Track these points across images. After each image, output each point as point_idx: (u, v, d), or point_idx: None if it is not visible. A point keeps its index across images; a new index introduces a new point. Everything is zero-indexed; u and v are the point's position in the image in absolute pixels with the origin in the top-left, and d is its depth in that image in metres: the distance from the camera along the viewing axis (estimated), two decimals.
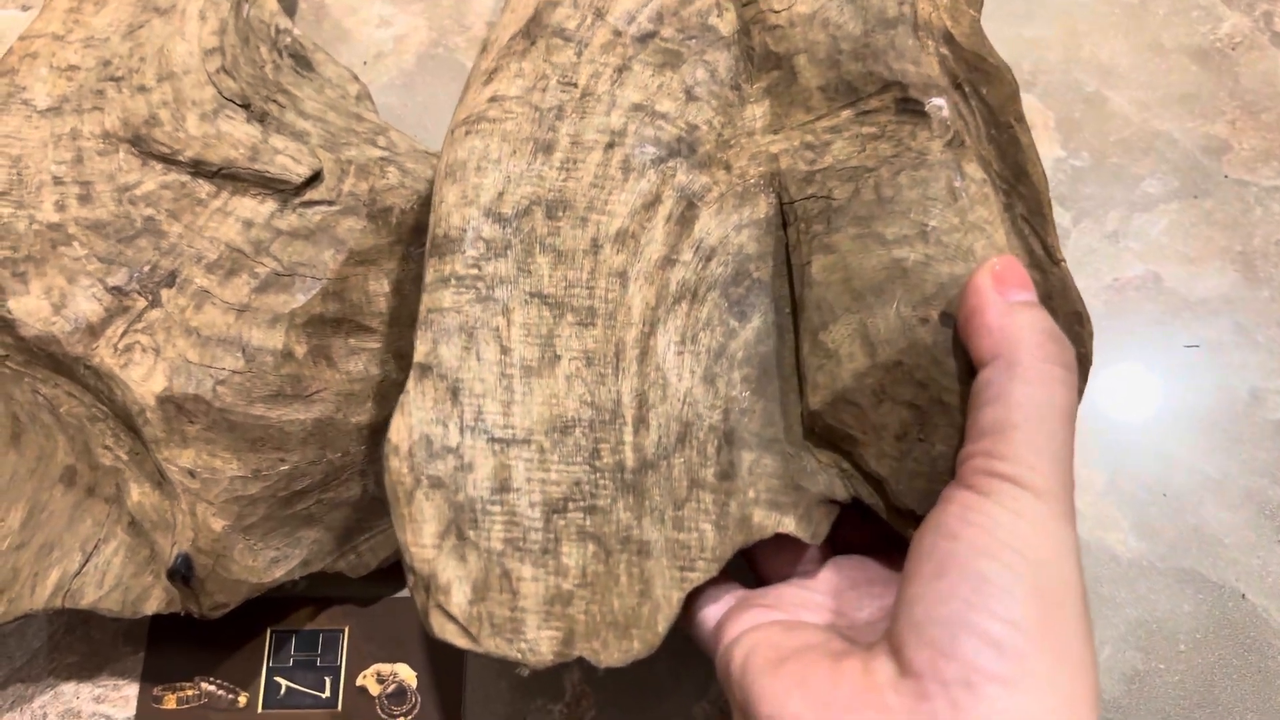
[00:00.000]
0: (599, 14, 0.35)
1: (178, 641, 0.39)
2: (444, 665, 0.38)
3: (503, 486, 0.30)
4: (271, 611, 0.39)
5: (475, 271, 0.32)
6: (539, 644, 0.29)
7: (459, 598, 0.29)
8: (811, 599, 0.32)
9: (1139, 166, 0.45)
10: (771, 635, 0.29)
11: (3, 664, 0.39)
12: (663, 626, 0.30)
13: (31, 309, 0.36)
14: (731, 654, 0.29)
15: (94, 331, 0.36)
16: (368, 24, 0.50)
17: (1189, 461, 0.40)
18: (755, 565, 0.34)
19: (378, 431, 0.38)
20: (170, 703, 0.38)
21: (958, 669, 0.24)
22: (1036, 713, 0.24)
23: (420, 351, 0.31)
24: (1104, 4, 0.49)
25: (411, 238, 0.40)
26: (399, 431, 0.30)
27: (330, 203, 0.39)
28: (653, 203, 0.34)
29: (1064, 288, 0.31)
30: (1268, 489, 0.39)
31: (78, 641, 0.39)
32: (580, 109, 0.34)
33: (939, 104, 0.33)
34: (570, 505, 0.30)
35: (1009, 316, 0.27)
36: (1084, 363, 0.30)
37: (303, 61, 0.45)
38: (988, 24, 0.48)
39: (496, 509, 0.30)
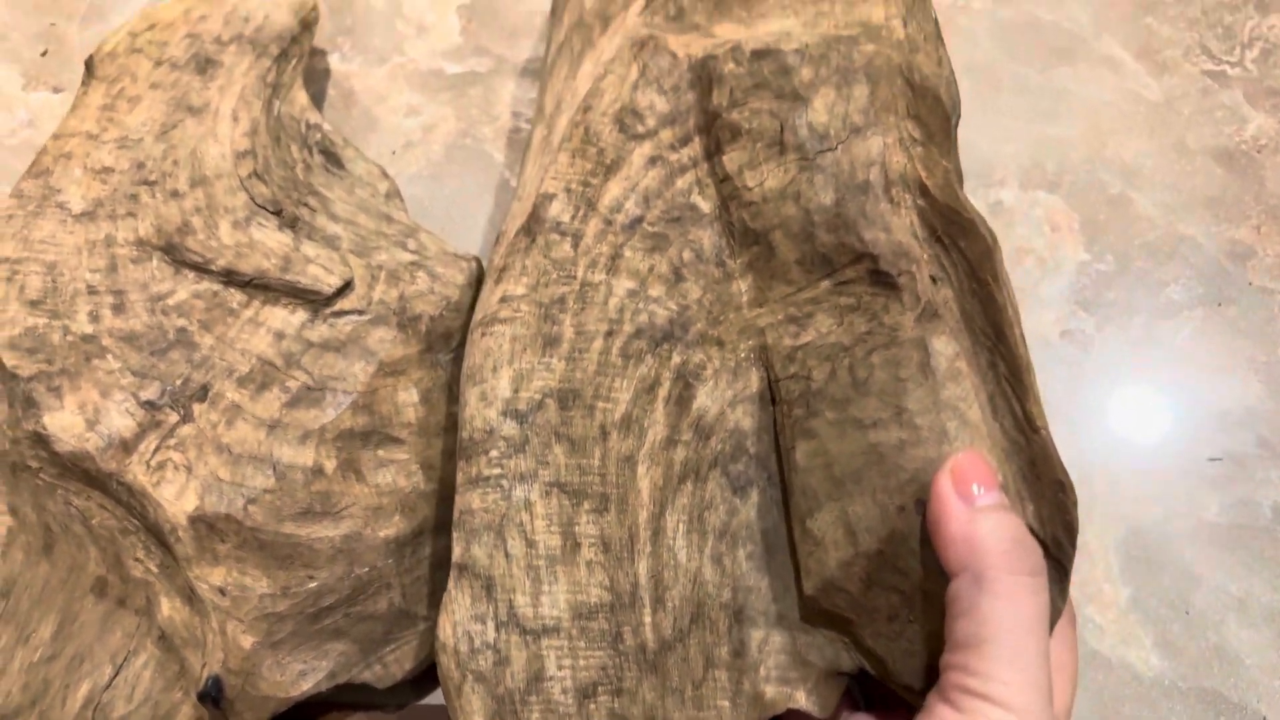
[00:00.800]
0: (590, 204, 0.37)
1: None
2: None
3: (537, 676, 0.32)
4: (297, 718, 0.40)
5: (499, 471, 0.34)
6: None
7: None
8: None
9: (1163, 272, 0.45)
10: None
11: None
12: None
13: (66, 425, 0.36)
14: None
15: (127, 447, 0.36)
16: (396, 113, 0.50)
17: (1212, 579, 0.40)
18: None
19: (404, 545, 0.38)
20: None
21: None
22: None
23: (457, 552, 0.33)
24: (1128, 103, 0.49)
25: (439, 345, 0.41)
26: (445, 630, 0.32)
27: (361, 312, 0.39)
28: (652, 386, 0.35)
29: (1045, 455, 0.31)
30: None
31: None
32: (581, 298, 0.36)
33: (908, 277, 0.33)
34: (599, 689, 0.32)
35: (972, 525, 0.28)
36: (1069, 529, 0.31)
37: (333, 158, 0.46)
38: (1013, 121, 0.48)
39: (533, 699, 0.32)
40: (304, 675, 0.37)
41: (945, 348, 0.32)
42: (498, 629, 0.32)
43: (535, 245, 0.36)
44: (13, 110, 0.52)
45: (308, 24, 0.48)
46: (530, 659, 0.32)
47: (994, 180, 0.47)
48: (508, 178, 0.49)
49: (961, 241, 0.34)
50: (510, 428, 0.34)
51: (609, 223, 0.37)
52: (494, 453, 0.34)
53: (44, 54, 0.53)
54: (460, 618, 0.32)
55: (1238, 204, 0.46)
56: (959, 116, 0.37)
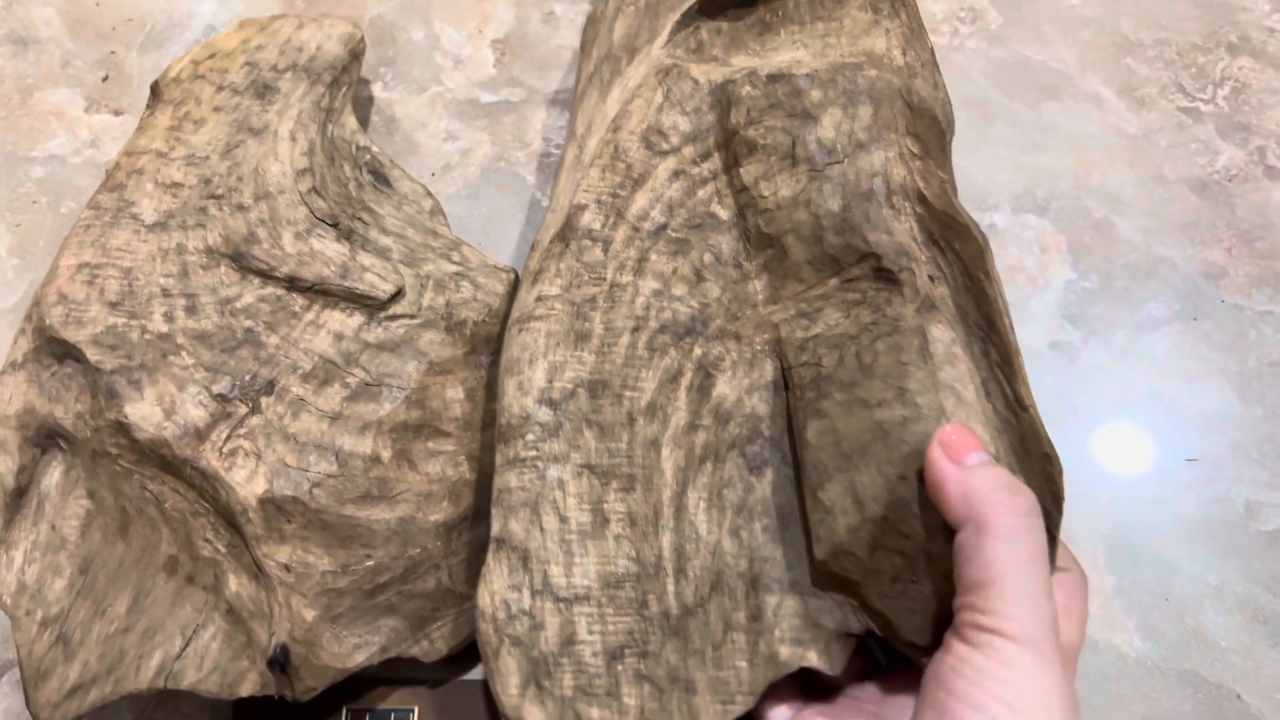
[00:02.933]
0: (619, 213, 0.41)
1: (261, 716, 0.43)
2: None
3: (569, 640, 0.35)
4: (347, 691, 0.43)
5: (534, 453, 0.37)
6: None
7: None
8: (860, 708, 0.36)
9: (1143, 290, 0.49)
10: None
11: None
12: None
13: (145, 414, 0.39)
14: None
15: (200, 436, 0.39)
16: (435, 138, 0.54)
17: (1190, 569, 0.44)
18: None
19: (452, 529, 0.41)
20: None
21: None
22: None
23: (495, 527, 0.36)
24: (1111, 136, 0.53)
25: (482, 348, 0.44)
26: (484, 598, 0.36)
27: (412, 316, 0.43)
28: (676, 376, 0.39)
29: (1034, 432, 0.35)
30: (1260, 596, 0.43)
31: (168, 715, 0.43)
32: (610, 298, 0.39)
33: (909, 274, 0.37)
34: (627, 652, 0.35)
35: (966, 483, 0.31)
36: (1057, 499, 0.34)
37: (381, 178, 0.50)
38: (1006, 151, 0.52)
39: (566, 660, 0.35)
40: (359, 648, 0.40)
41: (943, 335, 0.35)
42: (533, 597, 0.35)
43: (569, 250, 0.40)
44: (76, 132, 0.55)
45: (356, 54, 0.52)
46: (563, 624, 0.35)
47: (988, 205, 0.51)
48: (539, 198, 0.53)
49: (956, 244, 0.38)
50: (545, 414, 0.38)
51: (636, 230, 0.41)
52: (530, 436, 0.37)
53: (104, 79, 0.57)
54: (498, 587, 0.36)
55: (1211, 229, 0.51)
56: (953, 134, 0.41)
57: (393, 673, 0.43)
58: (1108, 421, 0.47)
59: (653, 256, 0.40)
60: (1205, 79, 0.54)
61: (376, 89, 0.56)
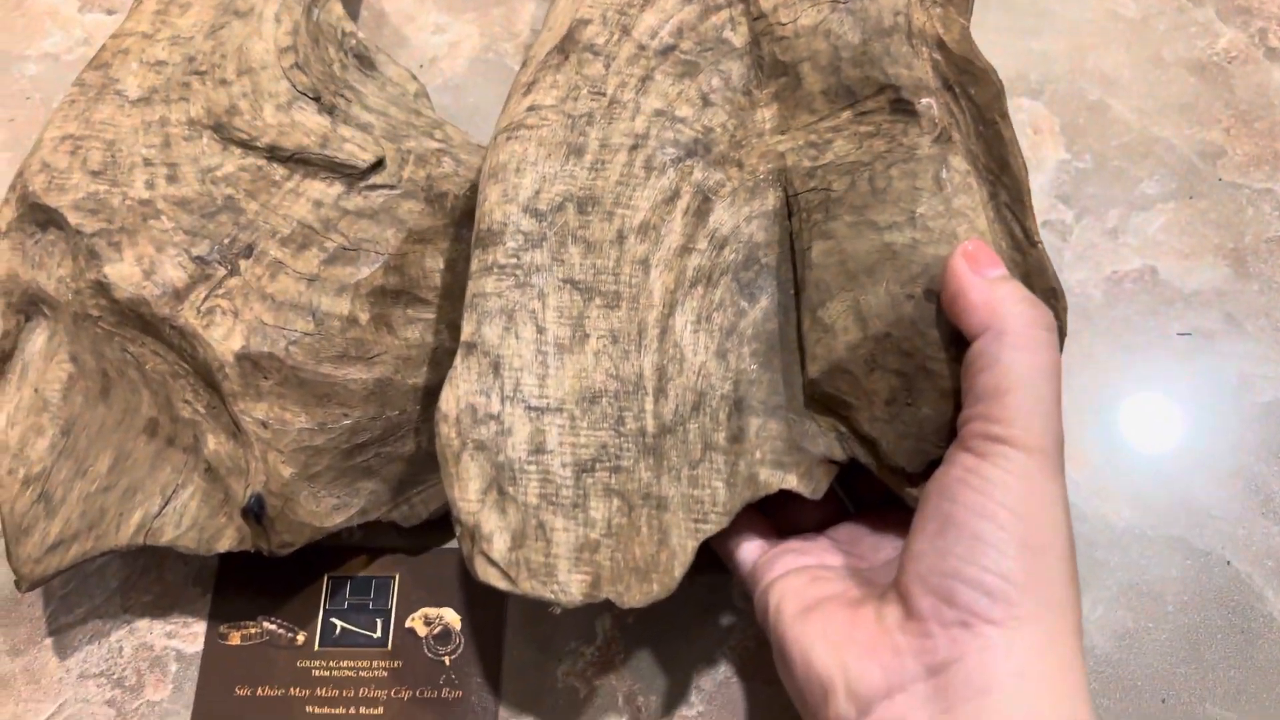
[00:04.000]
0: (625, 30, 0.40)
1: (242, 585, 0.43)
2: (486, 610, 0.42)
3: (538, 449, 0.34)
4: (328, 560, 0.43)
5: (515, 261, 0.36)
6: (570, 586, 0.33)
7: (500, 546, 0.33)
8: (835, 545, 0.35)
9: (1138, 169, 0.48)
10: (798, 585, 0.33)
11: (83, 601, 0.43)
12: (679, 572, 0.34)
13: (125, 274, 0.40)
14: (766, 600, 0.33)
15: (179, 296, 0.40)
16: (424, 30, 0.54)
17: (1180, 440, 0.43)
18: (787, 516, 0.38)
19: (431, 393, 0.41)
20: (235, 639, 0.42)
21: (956, 613, 0.28)
22: (1024, 646, 0.27)
23: (466, 331, 0.35)
24: (1108, 20, 0.52)
25: (464, 221, 0.44)
26: (448, 401, 0.34)
27: (392, 187, 0.43)
28: (672, 197, 0.38)
29: (1041, 267, 0.34)
30: (1254, 465, 0.42)
31: (151, 583, 0.43)
32: (608, 115, 0.38)
33: (928, 103, 0.36)
34: (597, 466, 0.34)
35: (990, 291, 0.31)
36: (1060, 333, 0.33)
37: (366, 62, 0.49)
38: (999, 36, 0.51)
39: (532, 468, 0.34)
40: (337, 509, 0.40)
41: (959, 164, 0.35)
42: (502, 403, 0.34)
43: (568, 63, 0.39)
44: (70, 30, 0.56)
45: None
46: (533, 433, 0.34)
47: None
48: None
49: (972, 89, 0.37)
50: (529, 223, 0.37)
51: (642, 48, 0.40)
52: (511, 245, 0.36)
53: None
54: (464, 390, 0.34)
55: (1209, 110, 0.50)
56: None
57: (374, 541, 0.43)
58: (1099, 297, 0.46)
59: (658, 76, 0.39)
60: None
61: None
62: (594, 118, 0.38)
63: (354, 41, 0.50)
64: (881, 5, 0.38)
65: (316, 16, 0.49)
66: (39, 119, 0.53)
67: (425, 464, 0.42)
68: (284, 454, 0.39)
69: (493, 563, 0.33)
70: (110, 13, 0.56)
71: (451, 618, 0.42)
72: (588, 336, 0.36)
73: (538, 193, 0.37)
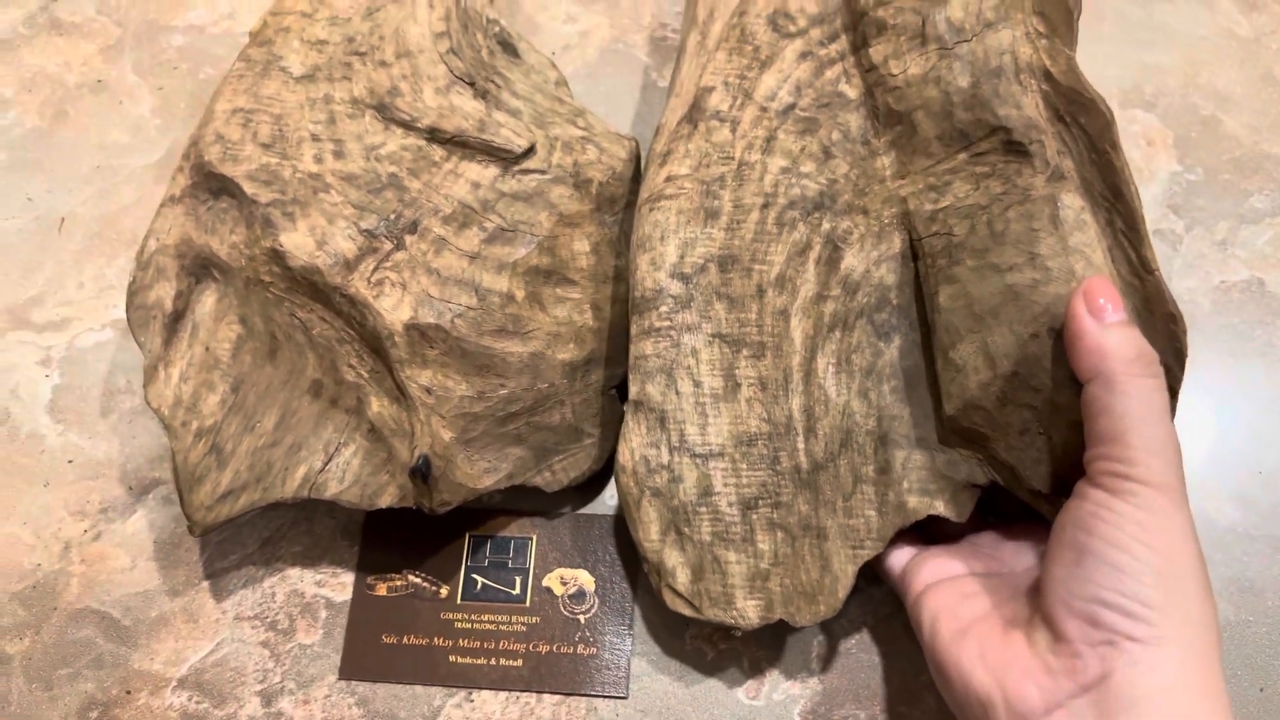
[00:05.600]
0: (747, 94, 0.42)
1: (388, 540, 0.45)
2: (619, 574, 0.44)
3: (706, 491, 0.38)
4: (469, 519, 0.46)
5: (668, 323, 0.40)
6: (747, 612, 0.38)
7: (683, 579, 0.38)
8: (978, 551, 0.38)
9: (1248, 183, 0.50)
10: (950, 603, 0.36)
11: (236, 549, 0.46)
12: (842, 594, 0.38)
13: (299, 243, 0.42)
14: (920, 615, 0.36)
15: (350, 266, 0.42)
16: (556, 19, 0.56)
17: (1276, 453, 0.45)
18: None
19: (576, 369, 0.44)
20: (381, 590, 0.45)
21: (1101, 634, 0.30)
22: (1168, 661, 0.30)
23: (633, 390, 0.40)
24: (1221, 37, 0.54)
25: (607, 207, 0.46)
26: (624, 454, 0.39)
27: (543, 171, 0.45)
28: (804, 249, 0.41)
29: (1159, 293, 0.36)
30: None
31: (302, 535, 0.46)
32: (738, 177, 0.41)
33: (1040, 143, 0.38)
34: (760, 503, 0.38)
35: (1101, 338, 0.33)
36: (1179, 356, 0.36)
37: (509, 49, 0.52)
38: (1115, 48, 0.53)
39: (704, 510, 0.38)
40: (488, 471, 0.43)
41: (1073, 202, 0.37)
42: (670, 453, 0.38)
43: (697, 131, 0.42)
44: (214, 3, 0.58)
45: None
46: (700, 477, 0.38)
47: None
48: (655, 78, 0.55)
49: (1082, 118, 0.39)
50: (677, 287, 0.40)
51: (764, 110, 0.42)
52: (663, 308, 0.40)
53: None
54: (637, 444, 0.39)
55: None
56: (1080, 12, 0.42)
57: (512, 504, 0.46)
58: (1207, 305, 0.48)
59: (780, 135, 0.42)
60: None
61: None
62: (725, 181, 0.41)
63: (498, 29, 0.52)
64: (988, 46, 0.40)
65: (464, 3, 0.51)
66: (186, 88, 0.56)
67: (568, 434, 0.44)
68: (446, 419, 0.41)
69: (679, 595, 0.38)
70: None
71: (586, 579, 0.44)
72: (739, 385, 0.39)
73: (682, 257, 0.40)
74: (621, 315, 0.45)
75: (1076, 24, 0.42)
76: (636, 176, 0.48)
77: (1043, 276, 0.36)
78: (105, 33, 0.57)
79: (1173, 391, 0.36)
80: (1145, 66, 0.53)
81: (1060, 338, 0.35)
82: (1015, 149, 0.38)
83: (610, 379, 0.45)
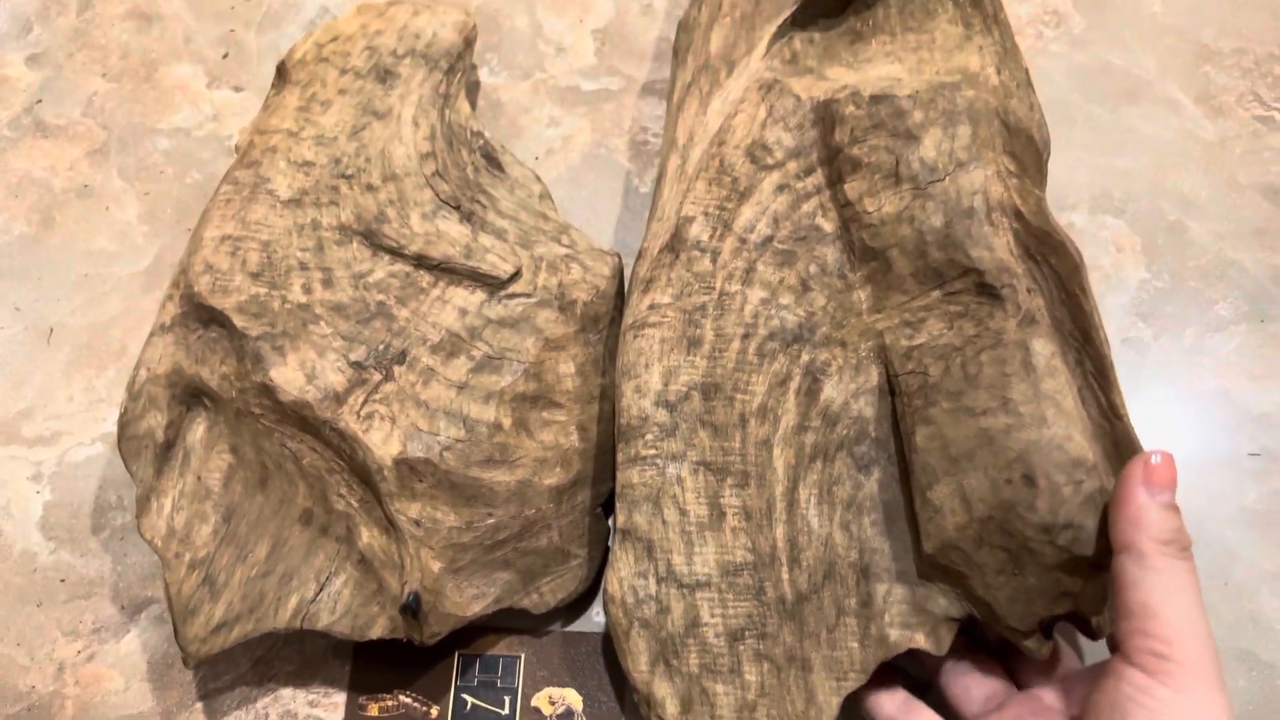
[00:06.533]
0: (727, 226, 0.43)
1: (379, 658, 0.46)
2: (606, 694, 0.45)
3: (694, 623, 0.39)
4: (460, 638, 0.46)
5: (654, 452, 0.40)
6: None
7: (672, 710, 0.38)
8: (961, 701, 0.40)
9: (1214, 291, 0.52)
10: None
11: (230, 669, 0.46)
12: None
13: (289, 378, 0.43)
14: None
15: (339, 399, 0.43)
16: (539, 122, 0.57)
17: (1249, 557, 0.47)
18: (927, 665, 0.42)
19: (563, 492, 0.45)
20: (373, 710, 0.45)
21: None
22: None
23: (620, 519, 0.40)
24: (1187, 140, 0.55)
25: (591, 326, 0.47)
26: (613, 584, 0.39)
27: (529, 295, 0.46)
28: (784, 380, 0.42)
29: (1127, 438, 0.38)
30: None
31: (293, 653, 0.47)
32: (720, 306, 0.42)
33: (1011, 288, 0.39)
34: (747, 634, 0.39)
35: (1145, 512, 0.34)
36: None
37: (494, 162, 0.53)
38: (1085, 154, 0.55)
39: (691, 641, 0.39)
40: (476, 598, 0.44)
41: (1044, 348, 0.38)
42: (658, 583, 0.39)
43: (679, 260, 0.43)
44: (199, 106, 0.59)
45: (469, 41, 0.55)
46: (687, 608, 0.39)
47: (1067, 205, 0.54)
48: (636, 184, 0.56)
49: (1052, 259, 0.40)
50: (662, 415, 0.41)
51: (743, 241, 0.43)
52: (649, 436, 0.41)
53: (225, 56, 0.60)
54: (625, 574, 0.39)
55: None
56: (1049, 154, 0.44)
57: (502, 622, 0.47)
58: (1175, 414, 0.49)
59: (760, 267, 0.43)
60: None
61: (483, 74, 0.59)
62: (707, 310, 0.42)
63: (481, 142, 0.53)
64: (960, 186, 0.41)
65: (449, 118, 0.52)
66: (173, 194, 0.56)
67: (555, 557, 0.45)
68: (435, 550, 0.42)
69: None
70: (238, 89, 0.59)
71: (574, 698, 0.45)
72: (724, 514, 0.40)
73: (666, 385, 0.41)
74: (607, 434, 0.46)
75: (1046, 165, 0.43)
76: (620, 292, 0.49)
77: (1015, 422, 0.37)
78: (91, 136, 0.58)
79: None
80: (1114, 171, 0.55)
81: (1033, 484, 0.36)
82: (987, 291, 0.40)
83: (597, 497, 0.46)
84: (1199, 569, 0.46)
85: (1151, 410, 0.49)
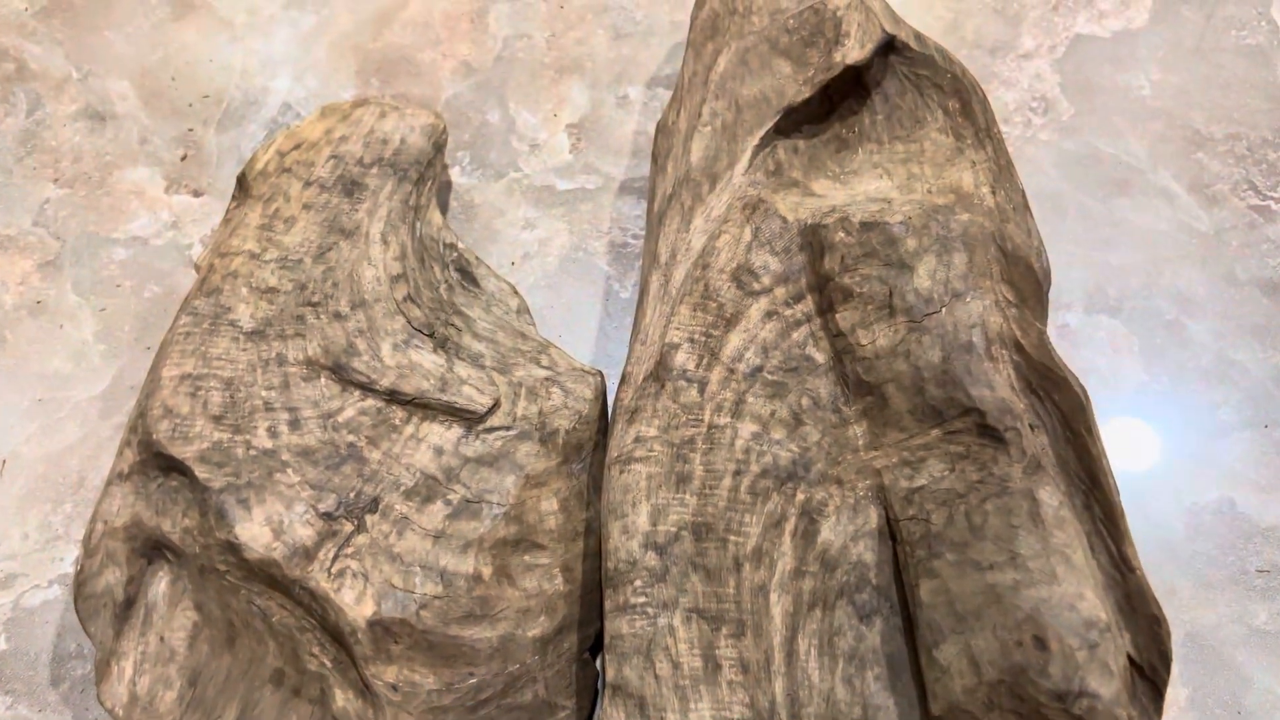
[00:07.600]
0: (713, 354, 0.41)
1: None
2: None
3: None
4: None
5: (644, 599, 0.38)
6: None
7: None
8: None
9: (1215, 394, 0.50)
10: None
11: None
12: None
13: (255, 535, 0.40)
14: None
15: (308, 555, 0.40)
16: (514, 225, 0.55)
17: (1262, 681, 0.45)
18: None
19: (548, 642, 0.42)
20: None
21: None
22: None
23: (610, 674, 0.38)
24: (1182, 234, 0.54)
25: (574, 455, 0.45)
26: None
27: (508, 428, 0.44)
28: (780, 521, 0.40)
29: (1140, 592, 0.36)
30: None
31: None
32: (709, 440, 0.40)
33: (1015, 432, 0.37)
34: None
35: None
36: (1164, 659, 0.35)
37: (468, 276, 0.50)
38: (1077, 248, 0.53)
39: None
40: None
41: (1051, 498, 0.36)
42: None
43: (664, 391, 0.41)
44: (157, 213, 0.56)
45: (439, 146, 0.53)
46: None
47: (1062, 304, 0.52)
48: (616, 289, 0.53)
49: (1055, 395, 0.38)
50: (651, 559, 0.39)
51: (731, 371, 0.41)
52: (638, 582, 0.38)
53: (183, 158, 0.57)
54: None
55: None
56: (1050, 285, 0.42)
57: None
58: (1180, 529, 0.48)
59: (750, 399, 0.41)
60: (1276, 176, 0.55)
61: (455, 173, 0.56)
62: (695, 444, 0.40)
63: (455, 254, 0.51)
64: (957, 318, 0.39)
65: (420, 231, 0.50)
66: (130, 309, 0.54)
67: (540, 711, 0.43)
68: (413, 715, 0.40)
69: None
70: (197, 194, 0.57)
71: None
72: (720, 666, 0.38)
73: (655, 525, 0.39)
74: (593, 571, 0.44)
75: (1047, 295, 0.41)
76: (604, 413, 0.47)
77: (1024, 578, 0.35)
78: (43, 246, 0.55)
79: (1159, 691, 0.36)
80: (1108, 266, 0.53)
81: (1044, 647, 0.34)
82: (990, 433, 0.38)
83: (584, 641, 0.44)
84: (1208, 695, 0.45)
85: (1156, 525, 0.48)
